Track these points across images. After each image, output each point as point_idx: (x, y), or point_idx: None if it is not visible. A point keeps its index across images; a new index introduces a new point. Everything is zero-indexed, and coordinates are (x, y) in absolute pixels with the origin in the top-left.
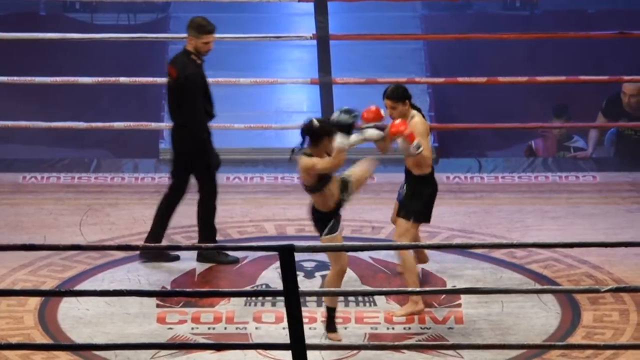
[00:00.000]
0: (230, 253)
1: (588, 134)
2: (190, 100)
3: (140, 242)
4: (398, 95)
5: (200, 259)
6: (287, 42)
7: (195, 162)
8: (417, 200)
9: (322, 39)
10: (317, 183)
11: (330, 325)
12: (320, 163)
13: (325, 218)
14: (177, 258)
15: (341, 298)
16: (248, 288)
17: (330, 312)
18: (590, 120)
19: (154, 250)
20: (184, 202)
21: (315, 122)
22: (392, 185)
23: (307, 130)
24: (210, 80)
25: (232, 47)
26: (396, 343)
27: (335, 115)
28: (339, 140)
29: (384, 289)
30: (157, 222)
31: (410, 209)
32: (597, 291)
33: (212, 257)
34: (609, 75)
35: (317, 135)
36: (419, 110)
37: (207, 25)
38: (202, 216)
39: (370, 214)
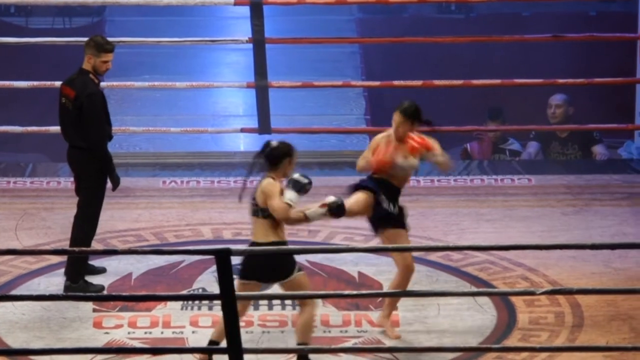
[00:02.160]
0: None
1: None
2: (94, 120)
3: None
4: (410, 113)
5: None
6: (223, 46)
7: (91, 183)
8: (402, 211)
9: (258, 42)
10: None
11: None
12: (276, 202)
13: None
14: (102, 289)
15: (278, 302)
16: (184, 292)
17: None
18: (525, 123)
19: (89, 254)
20: (118, 207)
21: (274, 143)
22: (328, 189)
23: (266, 152)
24: (146, 84)
25: (168, 51)
26: (333, 346)
27: (295, 176)
28: (288, 196)
29: (320, 292)
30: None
31: (401, 219)
32: (532, 293)
33: (82, 289)
34: (544, 78)
35: (275, 157)
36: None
37: (106, 44)
38: (74, 236)
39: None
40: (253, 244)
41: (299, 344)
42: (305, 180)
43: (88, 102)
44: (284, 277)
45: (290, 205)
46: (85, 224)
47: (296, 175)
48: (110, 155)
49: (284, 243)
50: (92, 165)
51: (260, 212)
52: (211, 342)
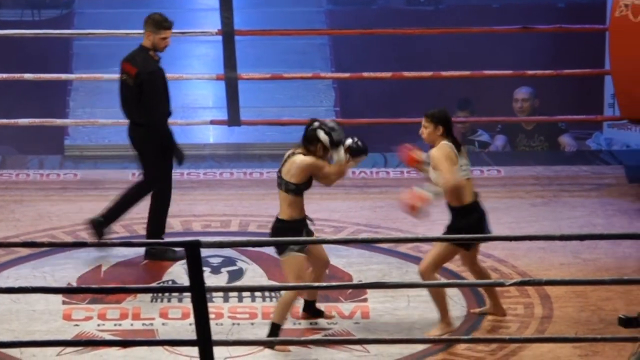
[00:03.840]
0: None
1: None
2: (154, 97)
3: (46, 239)
4: (433, 116)
5: (149, 256)
6: (193, 38)
7: (153, 159)
8: (461, 227)
9: (227, 34)
10: (304, 185)
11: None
12: (327, 167)
13: (291, 228)
14: (182, 257)
15: (248, 294)
16: (154, 284)
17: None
18: (494, 114)
19: (64, 247)
20: (88, 199)
21: (316, 124)
22: None
23: (312, 132)
24: (115, 76)
25: (137, 43)
26: (303, 338)
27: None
28: (343, 156)
29: (291, 284)
30: (152, 218)
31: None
32: (501, 285)
33: (161, 254)
34: (513, 70)
35: (317, 139)
36: (455, 142)
37: (164, 21)
38: (152, 211)
39: (276, 209)
40: (277, 218)
41: (272, 323)
42: (358, 146)
43: (148, 79)
44: (279, 253)
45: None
46: (157, 200)
47: (357, 143)
48: (171, 130)
49: (302, 220)
50: (152, 142)
51: (288, 186)
52: (274, 325)
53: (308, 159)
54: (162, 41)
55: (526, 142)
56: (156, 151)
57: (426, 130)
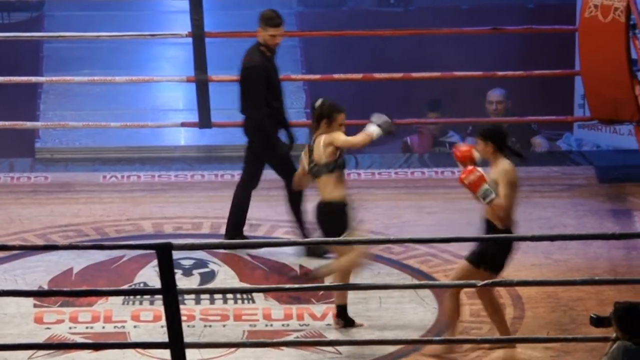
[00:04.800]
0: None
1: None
2: (252, 92)
3: (17, 242)
4: (483, 133)
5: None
6: (163, 40)
7: (263, 153)
8: (491, 249)
9: (198, 36)
10: (334, 162)
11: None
12: (342, 137)
13: (338, 210)
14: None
15: (220, 296)
16: (126, 287)
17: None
18: (464, 115)
19: (35, 250)
20: (59, 202)
21: (324, 101)
22: (268, 182)
23: (319, 109)
24: (85, 79)
25: (107, 45)
26: (274, 340)
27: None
28: (372, 128)
29: (263, 286)
30: (234, 212)
31: (482, 256)
32: (473, 286)
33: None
34: (483, 71)
35: (328, 114)
36: (518, 154)
37: (275, 18)
38: (291, 203)
39: (251, 210)
40: (321, 203)
41: (337, 306)
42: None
43: (247, 74)
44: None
45: (370, 137)
46: (238, 197)
47: (384, 119)
48: (270, 127)
49: (344, 200)
50: (255, 136)
51: (325, 168)
52: (339, 307)
53: (327, 136)
54: (272, 38)
55: None
56: (260, 144)
57: (479, 148)
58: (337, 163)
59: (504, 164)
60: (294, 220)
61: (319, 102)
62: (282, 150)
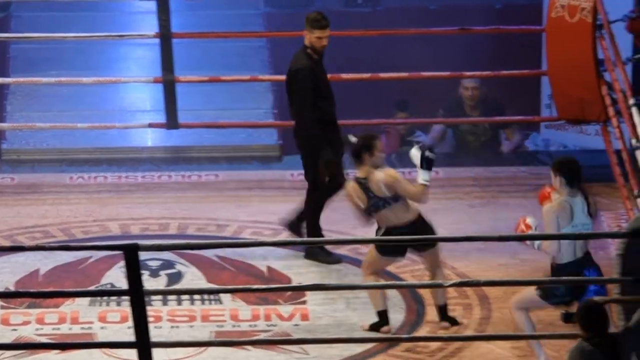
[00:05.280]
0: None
1: (430, 132)
2: (298, 95)
3: None
4: (553, 164)
5: (307, 255)
6: (130, 41)
7: (305, 155)
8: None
9: (165, 37)
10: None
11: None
12: (411, 188)
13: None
14: (339, 261)
15: (187, 297)
16: (93, 288)
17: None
18: (430, 115)
19: (1, 251)
20: (25, 203)
21: (354, 138)
22: (236, 183)
23: (358, 144)
24: (52, 80)
25: (74, 46)
26: (242, 339)
27: (419, 153)
28: (423, 177)
29: (230, 286)
30: (309, 224)
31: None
32: (440, 286)
33: (316, 255)
34: (451, 71)
35: (368, 146)
36: (582, 189)
37: (320, 20)
38: (306, 210)
39: (215, 212)
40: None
41: (377, 312)
42: (433, 155)
43: (294, 77)
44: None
45: (426, 186)
46: (309, 204)
47: (426, 153)
48: (318, 133)
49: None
50: (304, 140)
51: (391, 200)
52: (380, 313)
53: (387, 177)
54: (318, 40)
55: (471, 127)
56: (309, 150)
57: (553, 179)
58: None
59: (558, 200)
60: (303, 226)
61: (353, 138)
62: (325, 159)
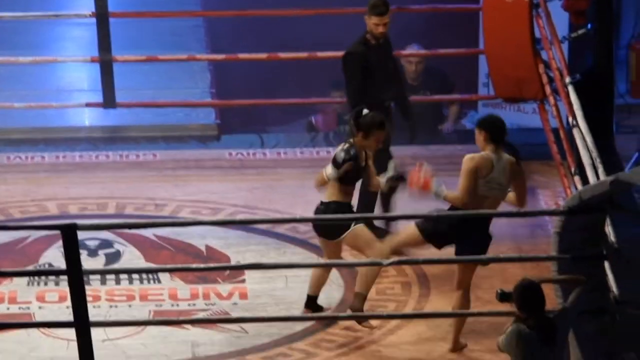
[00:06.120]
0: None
1: None
2: (348, 79)
3: None
4: (478, 121)
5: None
6: (67, 20)
7: None
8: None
9: (102, 16)
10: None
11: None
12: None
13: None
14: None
15: (125, 276)
16: (31, 267)
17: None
18: None
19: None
20: None
21: (368, 114)
22: (174, 162)
23: (361, 120)
24: None
25: (11, 26)
26: (181, 318)
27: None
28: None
29: (168, 266)
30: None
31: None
32: (379, 264)
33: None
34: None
35: (366, 128)
36: (514, 152)
37: (379, 6)
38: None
39: (153, 191)
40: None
41: (356, 293)
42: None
43: (343, 60)
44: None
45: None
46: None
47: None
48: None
49: (348, 204)
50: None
51: None
52: (309, 297)
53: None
54: (375, 27)
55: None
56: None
57: (477, 136)
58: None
59: (477, 155)
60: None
61: (364, 111)
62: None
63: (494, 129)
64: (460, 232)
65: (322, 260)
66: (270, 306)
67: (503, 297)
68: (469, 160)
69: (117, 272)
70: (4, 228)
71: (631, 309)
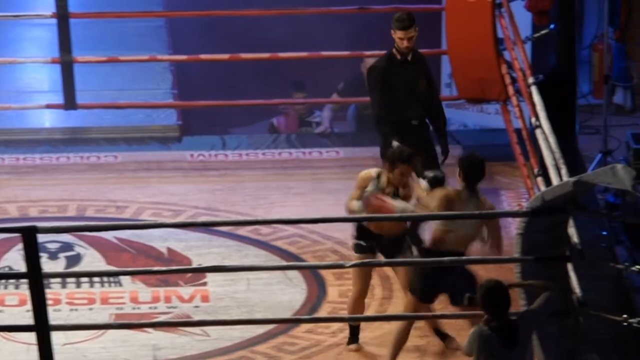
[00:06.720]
0: None
1: (322, 111)
2: (370, 93)
3: None
4: (459, 158)
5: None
6: (27, 21)
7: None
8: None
9: (62, 17)
10: None
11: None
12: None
13: None
14: None
15: (86, 279)
16: None
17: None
18: (327, 96)
19: None
20: None
21: (398, 147)
22: (135, 164)
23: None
24: None
25: None
26: (142, 322)
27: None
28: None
29: (129, 268)
30: None
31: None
32: (341, 267)
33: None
34: (350, 50)
35: (391, 161)
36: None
37: (403, 20)
38: None
39: (114, 193)
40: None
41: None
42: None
43: (367, 73)
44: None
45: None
46: None
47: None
48: (385, 129)
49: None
50: (381, 137)
51: None
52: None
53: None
54: (400, 41)
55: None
56: (385, 147)
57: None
58: None
59: (448, 189)
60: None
61: (395, 144)
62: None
63: (470, 169)
64: (444, 281)
65: (284, 263)
66: (232, 309)
67: (471, 301)
68: (444, 197)
69: (78, 275)
70: None
71: (593, 310)
